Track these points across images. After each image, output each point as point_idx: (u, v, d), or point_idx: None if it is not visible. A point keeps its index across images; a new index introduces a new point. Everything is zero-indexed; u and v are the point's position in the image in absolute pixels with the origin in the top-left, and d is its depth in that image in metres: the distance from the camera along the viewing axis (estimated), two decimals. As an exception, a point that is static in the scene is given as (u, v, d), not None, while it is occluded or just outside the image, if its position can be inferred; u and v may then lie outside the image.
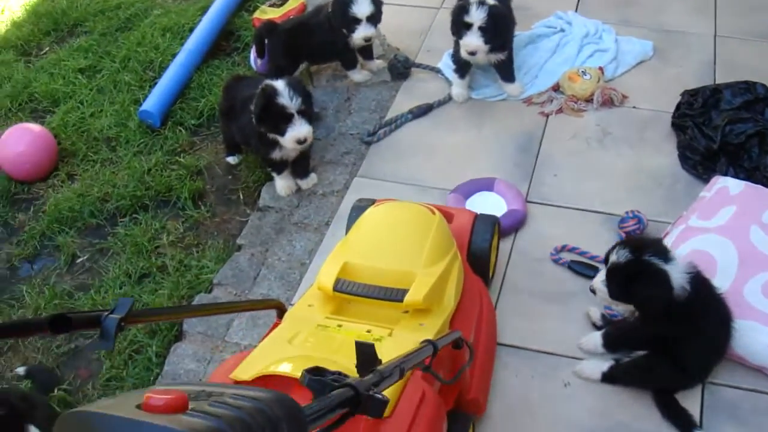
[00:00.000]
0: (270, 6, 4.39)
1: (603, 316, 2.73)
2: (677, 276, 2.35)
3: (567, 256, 2.97)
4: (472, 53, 3.44)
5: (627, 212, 3.04)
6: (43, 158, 3.59)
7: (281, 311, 2.31)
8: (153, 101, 3.77)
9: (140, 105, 3.80)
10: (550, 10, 4.21)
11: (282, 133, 3.07)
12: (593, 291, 2.51)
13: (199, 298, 2.95)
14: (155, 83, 3.92)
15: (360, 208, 2.75)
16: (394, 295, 2.22)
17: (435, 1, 4.34)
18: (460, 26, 3.44)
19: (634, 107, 3.64)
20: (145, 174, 3.52)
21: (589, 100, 3.64)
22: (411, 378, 1.95)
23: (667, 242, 2.87)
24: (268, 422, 0.85)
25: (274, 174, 3.34)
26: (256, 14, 4.33)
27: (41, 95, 4.07)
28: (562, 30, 4.03)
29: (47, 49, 4.47)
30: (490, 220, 2.83)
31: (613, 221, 3.08)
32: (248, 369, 1.96)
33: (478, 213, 2.87)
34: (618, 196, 3.20)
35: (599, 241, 2.99)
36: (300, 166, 3.35)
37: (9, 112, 4.01)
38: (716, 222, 2.86)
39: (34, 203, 3.53)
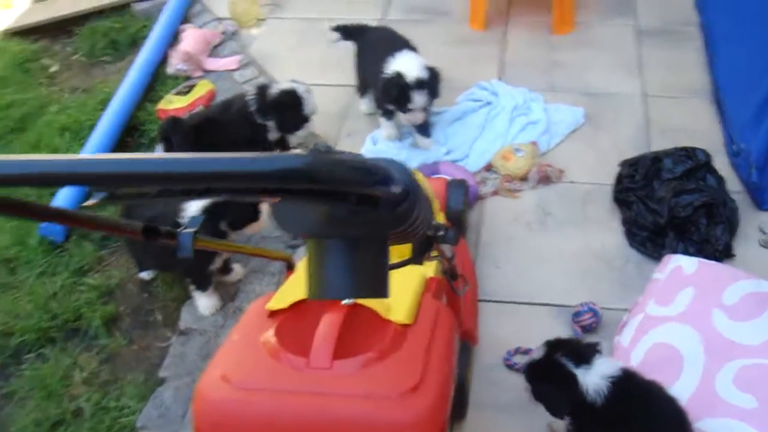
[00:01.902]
0: (176, 94, 4.10)
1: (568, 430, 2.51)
2: (591, 380, 2.18)
3: (522, 360, 2.75)
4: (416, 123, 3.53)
5: (582, 305, 2.85)
6: (-65, 289, 3.23)
7: (290, 264, 2.50)
8: (54, 214, 3.42)
9: (41, 219, 3.46)
10: (471, 81, 4.02)
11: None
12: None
13: (122, 446, 2.64)
14: (55, 193, 3.57)
15: None
16: None
17: (349, 76, 4.07)
18: (402, 108, 3.46)
19: (572, 182, 3.46)
20: (50, 299, 3.17)
21: (524, 178, 3.45)
22: (424, 297, 2.15)
23: (626, 334, 2.69)
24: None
25: (197, 293, 3.04)
26: (161, 105, 4.04)
27: (-70, 213, 3.68)
28: (489, 103, 3.83)
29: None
30: (462, 184, 3.15)
31: (566, 313, 2.88)
32: (283, 299, 2.11)
33: (449, 179, 3.20)
34: (568, 285, 3.01)
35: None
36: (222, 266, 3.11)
37: None
38: (676, 308, 2.70)
39: (-72, 343, 3.15)
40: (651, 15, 4.48)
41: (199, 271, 3.01)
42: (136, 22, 4.86)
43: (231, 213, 2.89)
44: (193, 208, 2.82)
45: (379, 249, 1.27)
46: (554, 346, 2.29)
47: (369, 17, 4.56)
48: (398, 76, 3.39)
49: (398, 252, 2.15)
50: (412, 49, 3.58)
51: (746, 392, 2.43)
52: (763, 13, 3.96)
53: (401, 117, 3.55)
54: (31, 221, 1.46)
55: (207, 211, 2.81)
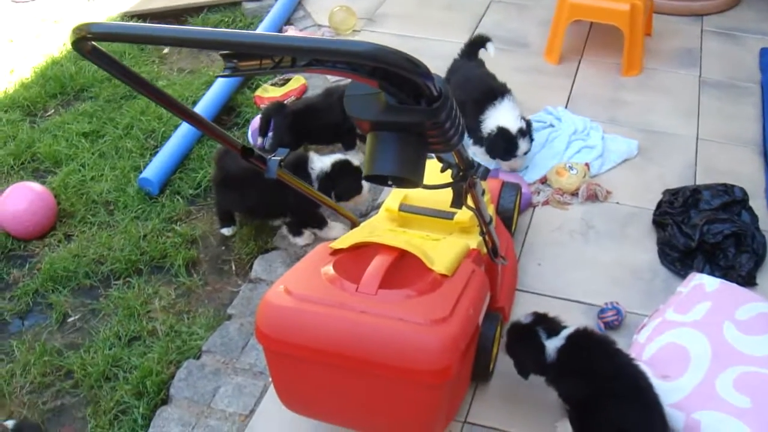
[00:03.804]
0: (272, 85, 4.54)
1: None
2: (550, 347, 2.58)
3: (547, 344, 3.07)
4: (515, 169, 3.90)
5: (606, 303, 3.15)
6: (42, 217, 3.67)
7: (355, 225, 3.06)
8: (153, 169, 3.88)
9: (140, 172, 3.92)
10: (539, 106, 4.38)
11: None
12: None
13: (188, 364, 3.02)
14: (156, 152, 4.05)
15: None
16: (446, 215, 2.85)
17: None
18: (509, 156, 3.80)
19: (617, 203, 3.78)
20: (141, 239, 3.61)
21: (574, 194, 3.79)
22: (464, 260, 2.54)
23: (643, 333, 2.99)
24: None
25: (317, 230, 3.56)
26: (258, 92, 4.48)
27: (44, 156, 4.17)
28: (552, 125, 4.19)
29: (52, 111, 4.59)
30: (515, 187, 3.46)
31: (593, 311, 3.18)
32: (345, 242, 2.55)
33: (504, 180, 3.50)
34: (599, 288, 3.31)
35: (579, 330, 3.09)
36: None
37: (11, 170, 4.10)
38: (691, 317, 2.97)
39: (30, 261, 3.59)
40: (715, 69, 4.81)
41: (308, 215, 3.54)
42: (244, 18, 5.35)
43: (340, 185, 3.43)
44: (317, 168, 3.40)
45: (419, 143, 1.65)
46: (539, 318, 2.68)
47: (455, 40, 4.93)
48: (503, 130, 3.73)
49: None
50: (503, 90, 3.90)
51: (743, 394, 2.68)
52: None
53: (502, 163, 3.87)
54: (172, 113, 1.88)
55: (322, 179, 3.37)
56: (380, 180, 1.69)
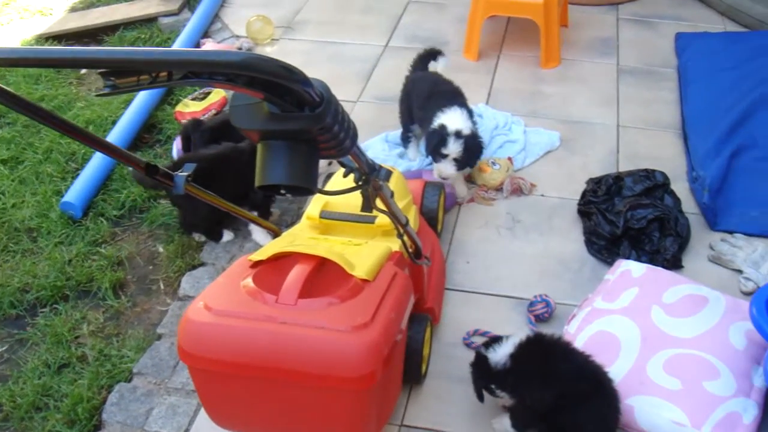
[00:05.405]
0: (192, 100, 4.50)
1: (511, 399, 2.84)
2: (496, 356, 2.62)
3: (478, 340, 3.07)
4: (445, 178, 3.69)
5: (536, 296, 3.18)
6: (-38, 250, 3.59)
7: (277, 235, 3.07)
8: (75, 193, 3.81)
9: (62, 196, 3.84)
10: (461, 103, 4.38)
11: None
12: None
13: (119, 388, 2.98)
14: (77, 175, 3.98)
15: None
16: (368, 219, 2.84)
17: (348, 94, 4.52)
18: (436, 154, 3.63)
19: (542, 195, 3.82)
20: (66, 264, 3.54)
21: (499, 189, 3.81)
22: (386, 264, 2.55)
23: (573, 324, 3.02)
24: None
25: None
26: (179, 108, 4.43)
27: (-38, 186, 4.08)
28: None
29: (-31, 141, 4.49)
30: (437, 186, 3.50)
31: (523, 305, 3.21)
32: (263, 253, 2.52)
33: (427, 180, 3.56)
34: (528, 281, 3.34)
35: (510, 325, 3.12)
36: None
37: (-72, 204, 4.01)
38: (620, 304, 3.02)
39: (-48, 294, 3.51)
40: (632, 56, 4.89)
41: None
42: (161, 34, 5.28)
43: None
44: None
45: (309, 150, 1.65)
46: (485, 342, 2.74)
47: (374, 43, 4.97)
48: (442, 127, 3.61)
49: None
50: (463, 101, 3.83)
51: (673, 376, 2.74)
52: (731, 62, 4.40)
53: (434, 168, 3.72)
54: (85, 145, 1.86)
55: None
56: (273, 189, 1.67)
